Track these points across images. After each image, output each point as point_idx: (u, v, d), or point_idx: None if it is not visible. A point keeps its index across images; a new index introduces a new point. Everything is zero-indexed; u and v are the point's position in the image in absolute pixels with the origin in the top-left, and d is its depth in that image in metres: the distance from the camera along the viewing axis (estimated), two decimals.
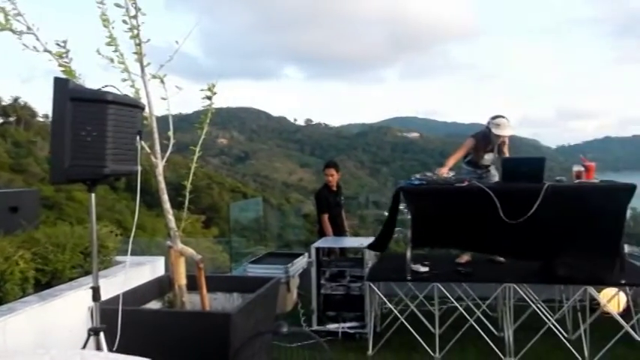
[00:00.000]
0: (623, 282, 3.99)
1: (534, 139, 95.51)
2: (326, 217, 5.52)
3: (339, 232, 5.63)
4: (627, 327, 3.98)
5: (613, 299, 4.62)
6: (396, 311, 4.43)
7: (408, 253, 4.16)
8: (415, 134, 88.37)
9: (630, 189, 3.94)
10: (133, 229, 2.72)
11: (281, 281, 5.22)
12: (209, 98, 3.60)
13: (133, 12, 3.16)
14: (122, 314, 2.66)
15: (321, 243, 4.94)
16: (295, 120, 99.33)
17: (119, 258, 3.93)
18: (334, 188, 5.68)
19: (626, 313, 4.55)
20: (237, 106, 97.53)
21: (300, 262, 5.68)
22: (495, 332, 4.44)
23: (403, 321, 4.32)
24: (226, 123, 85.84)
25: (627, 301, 4.70)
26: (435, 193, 4.17)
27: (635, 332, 4.13)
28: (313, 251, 4.70)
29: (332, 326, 4.60)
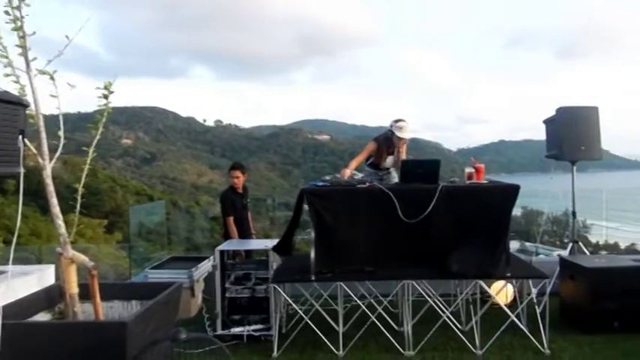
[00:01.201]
0: (509, 275, 4.29)
1: (437, 142, 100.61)
2: (231, 219, 5.45)
3: (245, 234, 5.59)
4: (512, 316, 4.29)
5: (501, 291, 4.99)
6: (300, 312, 4.47)
7: (312, 254, 4.21)
8: (326, 136, 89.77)
9: (514, 189, 4.26)
10: (15, 236, 2.52)
11: (184, 286, 5.09)
12: (105, 97, 3.42)
13: (15, 2, 2.93)
14: (2, 329, 2.45)
15: (225, 246, 4.86)
16: (205, 120, 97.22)
17: (1, 267, 3.62)
18: (240, 190, 5.62)
19: (513, 304, 4.92)
20: (142, 105, 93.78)
21: (205, 266, 5.57)
22: (396, 327, 4.61)
23: (308, 321, 4.37)
24: (131, 123, 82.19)
25: (514, 293, 5.10)
26: (337, 194, 4.26)
27: (520, 321, 4.47)
28: (217, 254, 4.62)
29: (237, 330, 4.55)
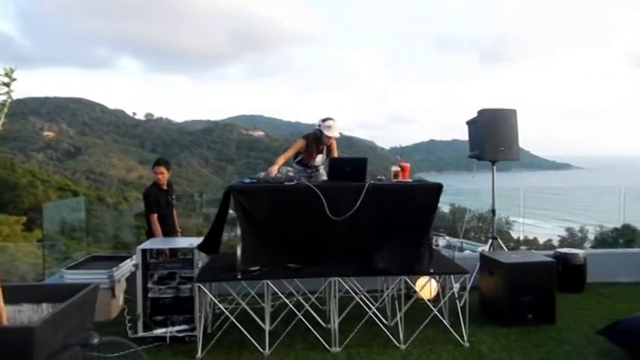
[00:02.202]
0: (432, 271, 4.41)
1: (371, 141, 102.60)
2: (155, 216, 5.26)
3: (170, 232, 5.41)
4: (435, 311, 4.42)
5: (426, 287, 5.13)
6: (226, 312, 4.38)
7: (239, 252, 4.14)
8: (260, 133, 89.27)
9: (438, 188, 4.38)
10: None
11: (103, 287, 4.88)
12: (6, 85, 3.17)
13: None
14: None
15: (148, 244, 4.68)
16: (135, 114, 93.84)
17: None
18: (165, 187, 5.44)
19: (437, 299, 5.07)
20: (66, 95, 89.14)
21: (127, 266, 5.36)
22: (323, 324, 4.63)
23: (233, 320, 4.29)
24: (53, 114, 77.83)
25: (437, 288, 5.25)
26: (264, 191, 4.20)
27: (443, 316, 4.61)
28: (139, 253, 4.44)
29: (159, 331, 4.39)
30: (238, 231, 4.18)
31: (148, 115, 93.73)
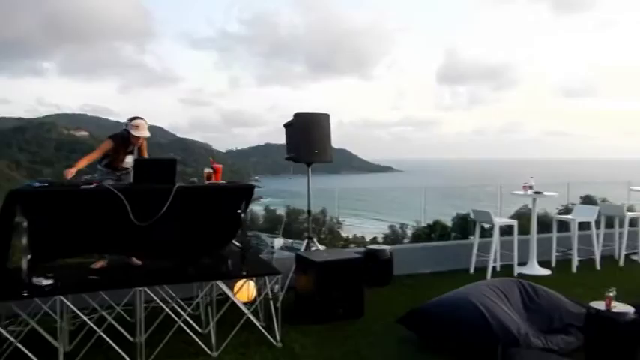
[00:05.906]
0: (244, 274, 4.37)
1: (207, 143, 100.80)
2: None
3: None
4: (248, 313, 4.39)
5: (243, 290, 5.08)
6: (9, 336, 3.81)
7: (24, 265, 3.64)
8: (84, 133, 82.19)
9: (249, 190, 4.37)
10: None
11: None
12: None
13: None
14: None
15: None
16: None
17: None
18: None
19: (255, 301, 5.06)
20: None
21: None
22: (132, 338, 4.31)
23: (17, 344, 3.76)
24: None
25: (255, 290, 5.24)
26: (58, 196, 3.76)
27: (258, 318, 4.61)
28: None
29: None
30: (24, 241, 3.67)
31: None
